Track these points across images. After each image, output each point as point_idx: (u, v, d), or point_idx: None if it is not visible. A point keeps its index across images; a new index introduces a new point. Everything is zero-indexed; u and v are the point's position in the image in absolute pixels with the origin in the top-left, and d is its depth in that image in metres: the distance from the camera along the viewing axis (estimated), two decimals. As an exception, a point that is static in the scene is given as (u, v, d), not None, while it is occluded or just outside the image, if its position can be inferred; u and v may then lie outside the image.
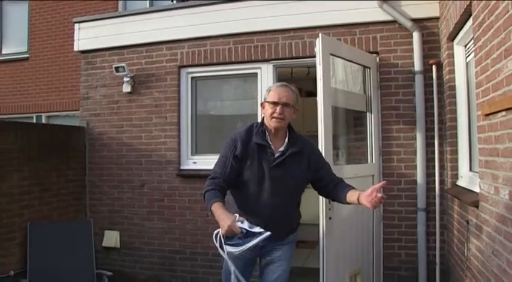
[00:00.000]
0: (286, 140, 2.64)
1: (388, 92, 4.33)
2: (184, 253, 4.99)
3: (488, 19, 2.53)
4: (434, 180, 4.13)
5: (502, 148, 2.31)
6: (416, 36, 4.25)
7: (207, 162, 4.93)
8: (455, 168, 3.87)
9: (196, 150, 5.18)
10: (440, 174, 4.11)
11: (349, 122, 4.50)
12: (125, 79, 5.23)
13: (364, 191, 2.38)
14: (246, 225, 2.23)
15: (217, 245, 2.30)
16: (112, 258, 5.28)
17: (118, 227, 5.30)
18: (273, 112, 2.57)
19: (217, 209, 2.34)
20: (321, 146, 3.46)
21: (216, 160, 2.66)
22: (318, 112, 3.56)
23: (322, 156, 2.86)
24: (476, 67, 2.86)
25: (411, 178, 4.22)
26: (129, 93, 5.27)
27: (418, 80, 4.21)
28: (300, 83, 7.08)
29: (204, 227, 4.85)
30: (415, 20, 4.28)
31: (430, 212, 4.15)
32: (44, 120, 8.98)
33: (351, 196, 2.47)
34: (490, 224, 2.54)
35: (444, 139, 4.09)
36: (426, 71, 4.22)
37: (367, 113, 4.31)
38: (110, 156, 5.39)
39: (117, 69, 5.15)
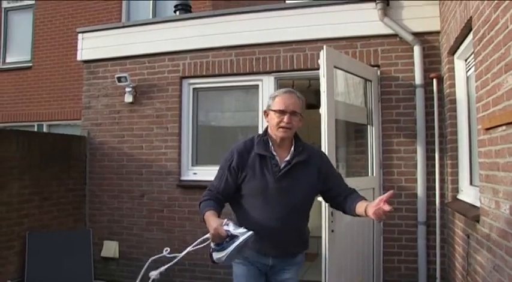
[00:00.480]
0: (292, 149, 2.46)
1: (389, 105, 4.34)
2: (183, 264, 4.95)
3: (489, 34, 2.54)
4: (435, 194, 4.13)
5: (502, 162, 2.31)
6: (417, 50, 4.28)
7: (208, 173, 4.93)
8: (455, 181, 3.86)
9: (197, 161, 5.18)
10: (441, 188, 4.10)
11: (350, 134, 4.51)
12: (127, 89, 5.25)
13: (372, 202, 2.23)
14: (230, 227, 2.10)
15: (197, 246, 2.26)
16: (110, 268, 5.25)
17: (117, 237, 5.28)
18: (280, 121, 2.38)
19: (208, 216, 2.23)
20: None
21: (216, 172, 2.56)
22: (321, 124, 3.56)
23: (332, 165, 2.64)
24: (476, 81, 2.87)
25: (411, 191, 4.21)
26: (131, 103, 5.29)
27: (419, 94, 4.22)
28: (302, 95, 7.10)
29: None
30: (416, 34, 4.31)
31: (431, 225, 4.14)
32: (45, 129, 9.00)
33: (359, 207, 2.29)
34: (491, 238, 2.53)
35: (445, 152, 4.09)
36: (427, 85, 4.24)
37: (368, 126, 4.32)
38: (110, 166, 5.39)
39: (119, 79, 5.17)
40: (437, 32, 4.32)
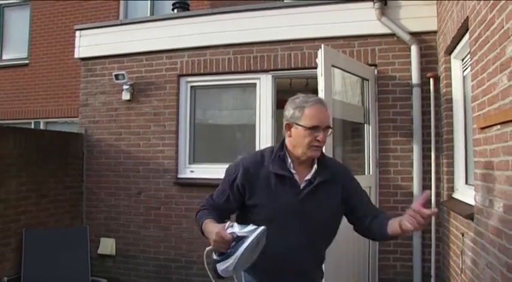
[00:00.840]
0: (315, 166, 2.06)
1: (386, 105, 4.36)
2: (180, 262, 4.98)
3: (484, 34, 2.56)
4: (431, 193, 4.15)
5: (496, 161, 2.33)
6: (414, 49, 4.30)
7: (205, 171, 4.98)
8: (451, 180, 3.89)
9: (194, 159, 5.19)
10: (437, 187, 4.12)
11: (347, 133, 4.53)
12: (124, 87, 5.26)
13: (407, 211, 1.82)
14: (236, 228, 1.75)
15: (207, 267, 1.86)
16: (107, 265, 5.26)
17: (114, 235, 5.29)
18: (313, 140, 1.97)
19: (206, 224, 1.91)
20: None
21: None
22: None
23: (358, 183, 2.22)
24: (472, 81, 2.89)
25: (407, 190, 4.24)
26: (128, 101, 5.29)
27: (416, 93, 4.24)
28: (299, 94, 7.12)
29: (200, 236, 4.83)
30: (413, 34, 4.33)
31: (426, 224, 4.15)
32: (42, 127, 9.00)
33: (392, 224, 1.89)
34: (485, 236, 2.56)
35: (441, 152, 4.12)
36: (424, 84, 4.26)
37: (365, 125, 4.34)
38: (107, 164, 5.39)
39: (116, 76, 5.18)
40: (435, 32, 4.33)
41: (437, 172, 4.13)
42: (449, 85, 3.95)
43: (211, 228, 1.82)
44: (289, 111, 2.03)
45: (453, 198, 3.77)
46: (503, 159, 2.22)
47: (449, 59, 3.97)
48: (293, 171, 2.04)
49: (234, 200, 2.06)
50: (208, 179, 4.83)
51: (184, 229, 4.97)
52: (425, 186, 4.17)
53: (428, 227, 4.13)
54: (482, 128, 2.59)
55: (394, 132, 4.32)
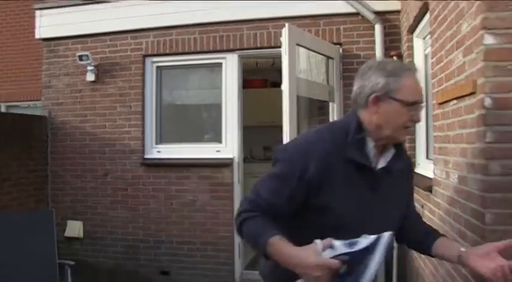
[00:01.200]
0: (394, 151, 1.62)
1: (351, 83, 4.34)
2: (148, 242, 4.99)
3: (443, 13, 2.64)
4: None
5: (452, 135, 2.43)
6: (378, 28, 4.37)
7: (171, 151, 4.99)
8: (413, 156, 4.01)
9: (161, 140, 5.17)
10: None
11: (313, 111, 4.59)
12: (89, 68, 5.16)
13: (474, 248, 1.53)
14: (341, 247, 1.26)
15: None
16: (75, 248, 5.23)
17: (81, 217, 5.24)
18: (410, 119, 1.52)
19: (281, 248, 1.32)
20: (286, 137, 3.53)
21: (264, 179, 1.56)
22: (282, 101, 3.62)
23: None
24: (432, 58, 2.98)
25: (371, 166, 4.34)
26: (93, 82, 5.20)
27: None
28: (265, 74, 7.15)
29: (168, 215, 4.88)
30: (377, 13, 4.39)
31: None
32: (3, 110, 8.72)
33: (446, 247, 1.60)
34: (442, 207, 2.67)
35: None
36: (387, 63, 4.33)
37: (330, 103, 4.41)
38: (73, 146, 5.31)
39: (80, 57, 5.07)
40: (398, 11, 4.41)
41: (399, 148, 4.24)
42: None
43: (300, 254, 1.26)
44: (377, 79, 1.51)
45: (415, 172, 3.88)
46: (458, 132, 2.31)
47: (412, 38, 4.05)
48: (373, 159, 1.58)
49: (299, 200, 1.48)
50: (175, 159, 4.87)
51: (152, 209, 4.98)
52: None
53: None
54: (440, 104, 2.69)
55: (358, 110, 4.39)
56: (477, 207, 1.98)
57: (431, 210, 2.99)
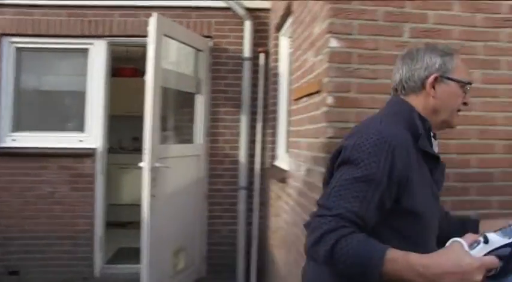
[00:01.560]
0: (437, 140, 1.48)
1: (219, 76, 4.50)
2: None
3: (302, 14, 2.80)
4: (256, 161, 4.44)
5: (303, 129, 2.60)
6: (247, 24, 4.48)
7: (29, 139, 4.59)
8: (274, 149, 4.21)
9: (18, 127, 4.72)
10: (262, 155, 4.43)
11: (180, 103, 4.57)
12: None
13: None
14: (496, 238, 1.07)
15: None
16: None
17: None
18: (463, 102, 1.43)
19: (410, 259, 1.06)
20: (148, 127, 3.46)
21: (341, 183, 1.22)
22: (146, 92, 3.55)
23: None
24: (292, 57, 3.15)
25: (235, 158, 4.47)
26: None
27: (246, 66, 4.45)
28: (136, 63, 6.93)
29: (22, 209, 4.48)
30: (248, 9, 4.49)
31: (251, 190, 4.45)
32: None
33: (491, 227, 1.32)
34: (293, 198, 2.85)
35: (266, 122, 4.42)
36: (255, 58, 4.49)
37: (198, 95, 4.43)
38: None
39: None
40: (268, 10, 4.57)
41: (262, 141, 4.43)
42: (277, 60, 4.23)
43: (438, 262, 1.04)
44: (432, 60, 1.39)
45: (274, 165, 4.09)
46: (308, 127, 2.47)
47: (278, 36, 4.23)
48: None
49: (389, 202, 1.23)
50: (33, 148, 4.46)
51: (3, 203, 4.53)
52: (252, 154, 4.45)
53: (252, 193, 4.42)
54: (295, 100, 2.85)
55: (224, 103, 4.49)
56: (317, 196, 2.13)
57: (285, 201, 3.17)
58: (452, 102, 1.40)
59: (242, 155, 4.43)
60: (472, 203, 2.24)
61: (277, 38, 4.25)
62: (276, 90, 4.19)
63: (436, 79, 1.37)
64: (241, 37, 4.50)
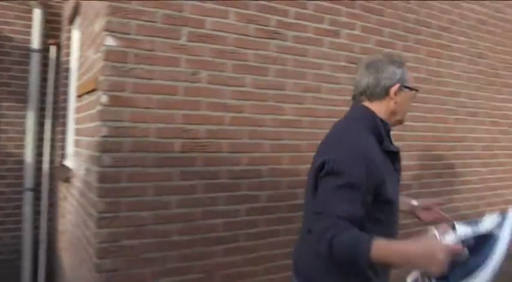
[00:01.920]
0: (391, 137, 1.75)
1: (2, 67, 4.08)
2: None
3: (89, 9, 2.72)
4: (45, 160, 4.16)
5: (83, 128, 2.53)
6: (37, 13, 4.17)
7: None
8: (64, 148, 3.99)
9: None
10: (51, 154, 4.16)
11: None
12: None
13: (420, 202, 1.92)
14: (462, 229, 1.32)
15: None
16: None
17: None
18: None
19: (391, 246, 1.37)
20: None
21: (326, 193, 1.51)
22: None
23: None
24: (79, 52, 3.03)
25: (20, 158, 4.11)
26: None
27: (35, 58, 4.14)
28: None
29: None
30: (39, -3, 4.18)
31: (39, 191, 4.15)
32: None
33: (401, 204, 1.81)
34: (76, 198, 2.76)
35: (57, 119, 4.16)
36: (45, 51, 4.20)
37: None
38: None
39: None
40: (64, 0, 4.32)
41: (52, 140, 4.16)
42: (68, 54, 4.02)
43: (414, 247, 1.32)
44: (394, 71, 1.65)
45: (63, 165, 3.88)
46: (88, 125, 2.42)
47: (70, 29, 4.03)
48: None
49: (370, 199, 1.51)
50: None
51: None
52: (40, 153, 4.15)
53: (39, 195, 4.12)
54: (79, 97, 2.76)
55: (8, 97, 4.09)
56: (94, 196, 2.11)
57: (70, 201, 3.05)
58: (407, 105, 1.70)
59: (28, 154, 4.09)
60: (243, 197, 2.47)
61: (70, 31, 4.05)
62: (66, 85, 3.98)
63: (399, 88, 1.63)
64: (30, 26, 4.17)
